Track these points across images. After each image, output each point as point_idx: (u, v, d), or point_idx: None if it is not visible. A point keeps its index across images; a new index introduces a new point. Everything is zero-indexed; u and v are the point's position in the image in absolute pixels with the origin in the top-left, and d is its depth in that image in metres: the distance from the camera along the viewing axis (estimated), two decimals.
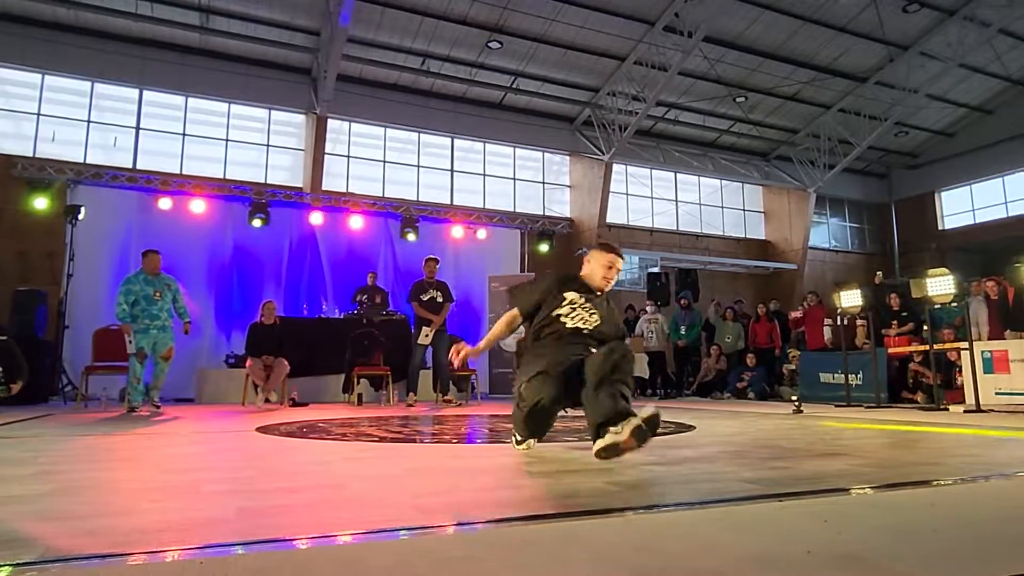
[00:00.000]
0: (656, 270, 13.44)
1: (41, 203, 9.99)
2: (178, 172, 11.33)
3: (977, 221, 16.71)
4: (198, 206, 10.65)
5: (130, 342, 6.65)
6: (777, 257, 16.39)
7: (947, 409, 6.32)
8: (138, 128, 11.35)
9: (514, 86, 13.15)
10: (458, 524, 1.51)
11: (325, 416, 5.78)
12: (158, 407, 6.69)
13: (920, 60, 13.26)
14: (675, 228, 15.74)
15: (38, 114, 10.77)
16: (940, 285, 6.71)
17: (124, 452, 3.19)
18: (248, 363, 7.57)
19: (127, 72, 11.06)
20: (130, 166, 11.08)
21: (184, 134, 11.65)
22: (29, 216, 10.07)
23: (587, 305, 3.11)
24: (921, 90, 13.61)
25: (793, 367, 9.42)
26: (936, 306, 7.01)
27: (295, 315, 10.01)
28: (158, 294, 6.78)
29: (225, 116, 11.96)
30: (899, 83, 13.70)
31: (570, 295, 3.12)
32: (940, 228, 17.33)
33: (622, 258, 3.23)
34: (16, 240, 10.11)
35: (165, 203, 10.53)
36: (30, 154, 10.52)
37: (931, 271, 7.00)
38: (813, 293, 10.58)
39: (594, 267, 3.21)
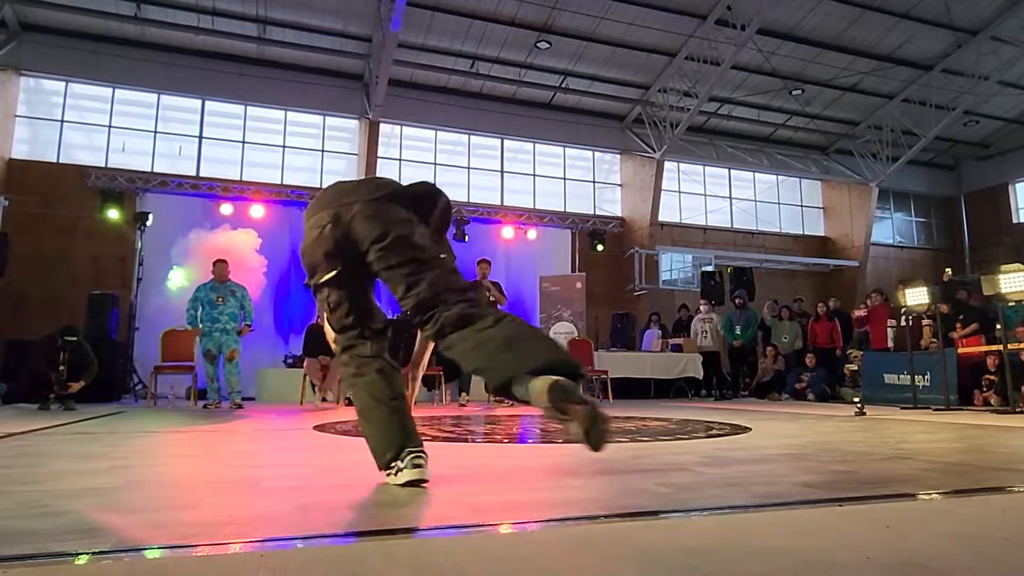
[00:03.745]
0: (710, 269, 13.19)
1: (113, 211, 10.51)
2: (238, 178, 11.74)
3: None
4: (257, 211, 11.00)
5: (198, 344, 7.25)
6: (837, 254, 15.86)
7: (1023, 412, 6.00)
8: (201, 137, 11.81)
9: (563, 86, 13.13)
10: (510, 523, 1.52)
11: None
12: (240, 406, 7.02)
13: (991, 45, 12.62)
14: (729, 226, 15.42)
15: (109, 126, 11.34)
16: (1015, 282, 6.36)
17: (190, 448, 3.33)
18: (305, 363, 7.79)
19: (191, 83, 11.54)
20: (194, 174, 11.55)
21: (244, 142, 12.07)
22: (102, 223, 10.60)
23: None
24: (992, 77, 12.96)
25: (855, 368, 9.10)
26: (1009, 304, 6.65)
27: None
28: (220, 299, 7.12)
29: (282, 123, 12.34)
30: (968, 70, 13.08)
31: None
32: (1015, 221, 16.46)
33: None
34: (90, 246, 10.66)
35: (227, 208, 10.94)
36: (102, 164, 11.08)
37: (1004, 267, 6.64)
38: (878, 291, 10.20)
39: None
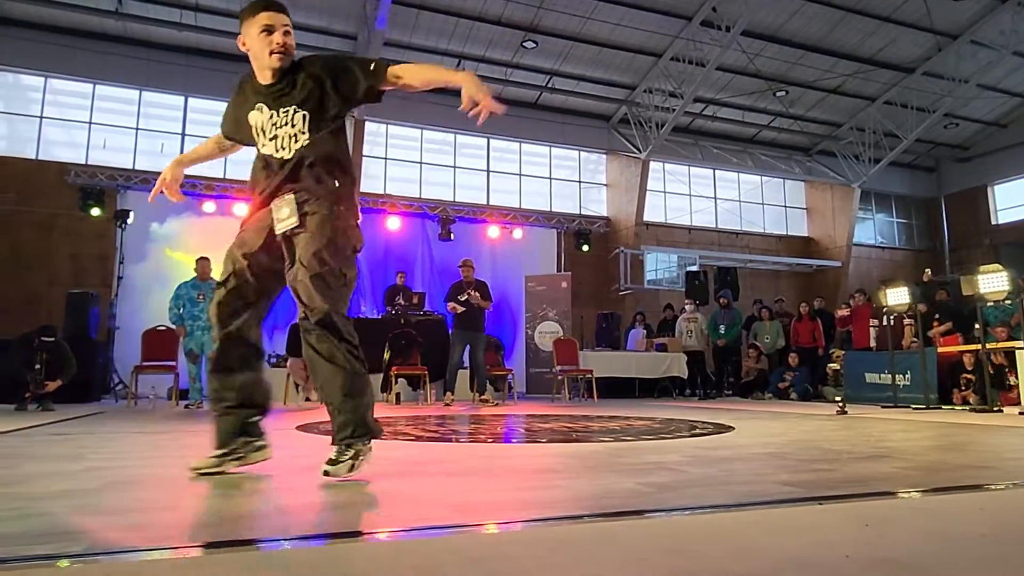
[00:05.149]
0: (695, 268, 13.27)
1: (93, 208, 10.36)
2: (222, 176, 11.62)
3: None
4: (241, 209, 10.89)
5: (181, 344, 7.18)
6: (820, 254, 16.02)
7: (1001, 411, 6.09)
8: (184, 134, 11.68)
9: (549, 85, 13.14)
10: (492, 523, 1.52)
11: None
12: None
13: (971, 49, 12.80)
14: (714, 226, 15.51)
15: (90, 122, 11.18)
16: (993, 282, 6.46)
17: (170, 449, 3.29)
18: (289, 363, 7.74)
19: (173, 80, 11.41)
20: None
21: None
22: (82, 221, 10.45)
23: (274, 117, 2.19)
24: (972, 80, 13.15)
25: (837, 367, 9.19)
26: (988, 304, 6.75)
27: None
28: (201, 296, 7.07)
29: None
30: (948, 73, 13.26)
31: (254, 116, 2.23)
32: (993, 223, 16.70)
33: (285, 11, 2.19)
34: (70, 244, 10.51)
35: (209, 207, 10.83)
36: (83, 161, 10.92)
37: (983, 267, 6.75)
38: (860, 291, 10.30)
39: (254, 45, 2.17)
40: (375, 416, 2.17)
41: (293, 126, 2.16)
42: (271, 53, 2.14)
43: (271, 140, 2.19)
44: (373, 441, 2.16)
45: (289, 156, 2.16)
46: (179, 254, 9.94)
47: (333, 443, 2.11)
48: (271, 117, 2.19)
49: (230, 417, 2.22)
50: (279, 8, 2.17)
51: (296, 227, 2.11)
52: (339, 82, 2.17)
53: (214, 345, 2.24)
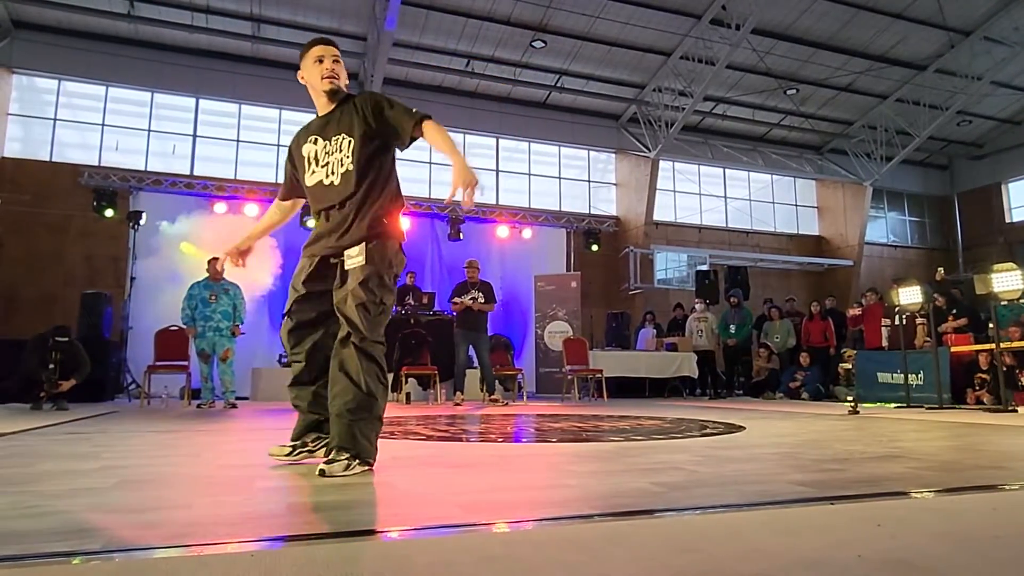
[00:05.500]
0: (705, 268, 13.22)
1: (106, 210, 10.45)
2: (233, 177, 11.71)
3: None
4: (251, 209, 10.96)
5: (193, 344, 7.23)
6: (832, 253, 15.91)
7: (1015, 411, 6.03)
8: (195, 136, 11.76)
9: (559, 85, 13.13)
10: (503, 522, 1.52)
11: None
12: (234, 405, 7.03)
13: (984, 45, 12.67)
14: (724, 225, 15.45)
15: (102, 125, 11.28)
16: (1007, 281, 6.40)
17: (182, 448, 3.32)
18: None
19: (184, 82, 11.49)
20: (188, 172, 11.50)
21: (238, 140, 12.02)
22: (96, 222, 10.55)
23: (327, 147, 2.42)
24: (985, 77, 13.02)
25: (849, 367, 9.13)
26: (1003, 303, 6.68)
27: None
28: (213, 297, 7.10)
29: (276, 122, 12.29)
30: (961, 70, 13.13)
31: (307, 148, 2.48)
32: (1008, 221, 16.53)
33: (334, 44, 2.52)
34: (84, 245, 10.61)
35: (220, 207, 10.90)
36: (96, 163, 11.02)
37: (997, 266, 6.68)
38: (872, 290, 10.23)
39: (309, 76, 2.48)
40: (376, 438, 2.34)
41: (341, 151, 2.37)
42: (323, 78, 2.44)
43: (322, 167, 2.41)
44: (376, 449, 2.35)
45: (338, 182, 2.37)
46: (188, 245, 9.98)
47: (326, 454, 2.29)
48: (325, 147, 2.42)
49: (310, 415, 2.54)
50: (329, 42, 2.51)
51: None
52: (379, 112, 2.38)
53: (293, 365, 2.54)
